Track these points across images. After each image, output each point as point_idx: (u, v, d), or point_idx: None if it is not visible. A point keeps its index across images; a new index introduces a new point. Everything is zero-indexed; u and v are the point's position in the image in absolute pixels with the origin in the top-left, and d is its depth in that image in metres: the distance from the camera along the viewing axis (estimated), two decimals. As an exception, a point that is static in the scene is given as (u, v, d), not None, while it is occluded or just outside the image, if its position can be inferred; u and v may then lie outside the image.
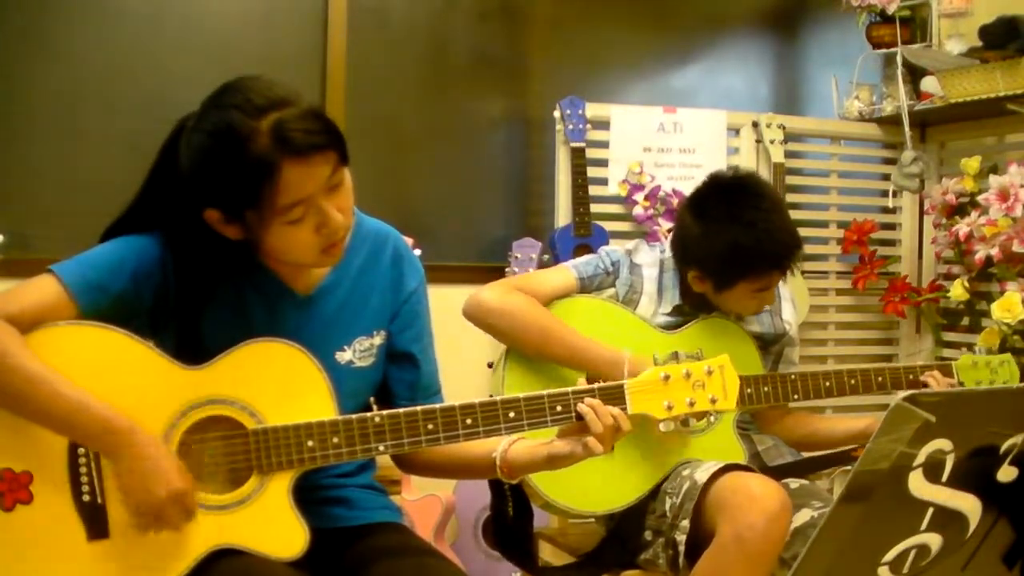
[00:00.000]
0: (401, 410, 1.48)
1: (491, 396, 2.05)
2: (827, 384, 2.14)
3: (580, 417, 1.52)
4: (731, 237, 2.03)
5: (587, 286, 2.12)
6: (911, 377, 2.19)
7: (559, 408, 1.52)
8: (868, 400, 2.26)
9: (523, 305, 2.02)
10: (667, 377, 1.55)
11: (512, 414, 1.50)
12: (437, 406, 1.49)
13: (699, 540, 1.89)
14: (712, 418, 2.07)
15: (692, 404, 1.55)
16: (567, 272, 2.12)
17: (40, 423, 1.39)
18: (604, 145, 3.17)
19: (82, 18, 2.97)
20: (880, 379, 2.18)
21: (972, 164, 2.98)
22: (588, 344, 2.01)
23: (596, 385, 1.54)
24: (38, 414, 1.39)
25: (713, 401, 1.56)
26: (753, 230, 2.03)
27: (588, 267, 2.13)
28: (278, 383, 1.47)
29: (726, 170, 2.21)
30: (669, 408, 1.54)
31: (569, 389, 1.53)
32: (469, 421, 1.49)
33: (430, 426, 1.48)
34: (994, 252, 2.81)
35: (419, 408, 1.48)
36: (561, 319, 2.05)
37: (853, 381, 2.16)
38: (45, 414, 1.38)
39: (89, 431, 1.39)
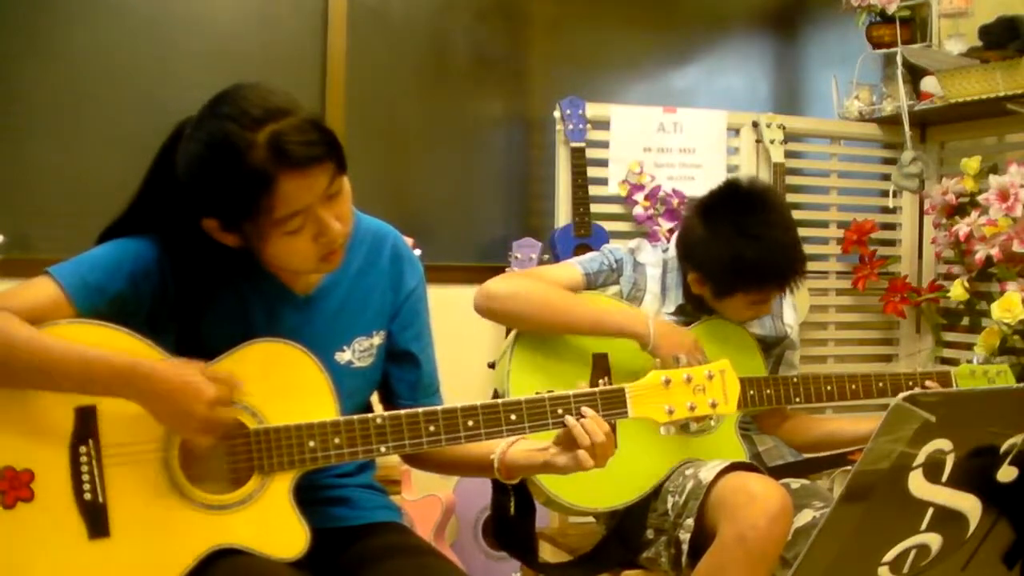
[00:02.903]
0: (403, 411, 1.48)
1: (495, 390, 2.07)
2: (828, 388, 2.15)
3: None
4: (735, 248, 2.03)
5: (593, 282, 2.13)
6: (911, 383, 2.19)
7: (560, 411, 1.52)
8: (869, 401, 2.26)
9: (533, 285, 2.04)
10: (668, 381, 1.55)
11: (514, 416, 1.50)
12: (439, 408, 1.49)
13: (700, 539, 1.89)
14: (713, 420, 2.08)
15: (693, 408, 1.55)
16: (573, 268, 2.13)
17: (54, 386, 1.39)
18: (604, 145, 3.18)
19: (82, 19, 2.97)
20: (881, 384, 2.19)
21: (972, 164, 2.98)
22: (609, 308, 2.02)
23: (598, 389, 1.54)
24: (52, 377, 1.39)
25: (713, 405, 1.56)
26: (757, 244, 2.03)
27: (593, 264, 2.14)
28: (280, 383, 1.47)
29: (743, 179, 2.20)
30: (670, 412, 1.55)
31: (571, 392, 1.53)
32: (471, 423, 1.49)
33: (431, 428, 1.48)
34: (994, 252, 2.81)
35: (420, 410, 1.48)
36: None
37: (854, 386, 2.17)
38: (60, 375, 1.38)
39: (109, 379, 1.38)
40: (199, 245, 1.47)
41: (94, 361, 1.38)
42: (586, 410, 1.52)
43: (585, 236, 3.07)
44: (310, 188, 1.39)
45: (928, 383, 2.19)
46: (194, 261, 1.50)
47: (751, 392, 2.09)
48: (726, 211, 2.10)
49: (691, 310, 2.16)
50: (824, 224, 3.45)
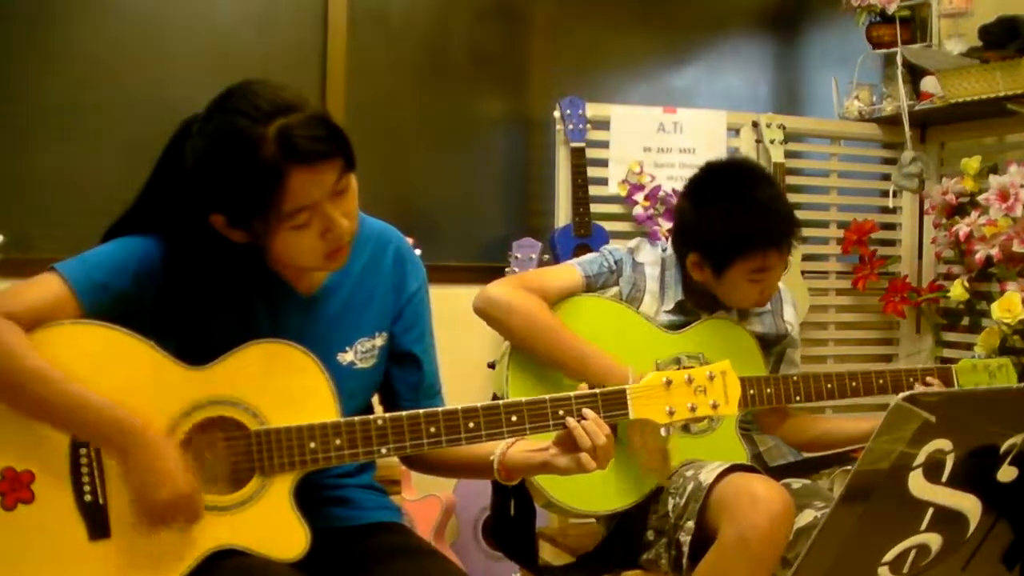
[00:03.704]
0: (403, 413, 1.48)
1: (494, 393, 2.06)
2: (828, 386, 2.15)
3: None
4: (727, 212, 2.05)
5: (592, 284, 2.12)
6: (911, 380, 2.19)
7: (561, 412, 1.52)
8: (869, 400, 2.26)
9: (535, 307, 2.03)
10: (669, 382, 1.55)
11: (514, 418, 1.50)
12: (439, 409, 1.49)
13: (701, 541, 1.89)
14: (714, 420, 2.08)
15: (694, 409, 1.55)
16: (573, 270, 2.12)
17: (45, 421, 1.40)
18: (604, 145, 3.18)
19: (82, 19, 2.98)
20: (881, 382, 2.19)
21: (972, 164, 2.98)
22: (595, 354, 2.01)
23: (599, 390, 1.54)
24: (44, 412, 1.39)
25: (715, 406, 1.56)
26: (748, 204, 2.05)
27: (593, 265, 2.13)
28: (281, 384, 1.47)
29: (721, 158, 2.23)
30: (671, 413, 1.55)
31: (572, 394, 1.53)
32: (471, 424, 1.49)
33: (432, 429, 1.48)
34: (994, 252, 2.81)
35: (421, 411, 1.48)
36: (568, 319, 2.05)
37: (854, 383, 2.17)
38: (50, 412, 1.39)
39: (96, 429, 1.39)
40: (204, 243, 1.48)
41: (90, 406, 1.38)
42: (587, 412, 1.51)
43: (585, 236, 3.07)
44: (318, 183, 1.39)
45: (929, 379, 2.19)
46: (199, 260, 1.50)
47: (751, 391, 2.09)
48: (712, 185, 2.13)
49: (690, 307, 2.16)
50: (824, 224, 3.45)
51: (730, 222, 2.04)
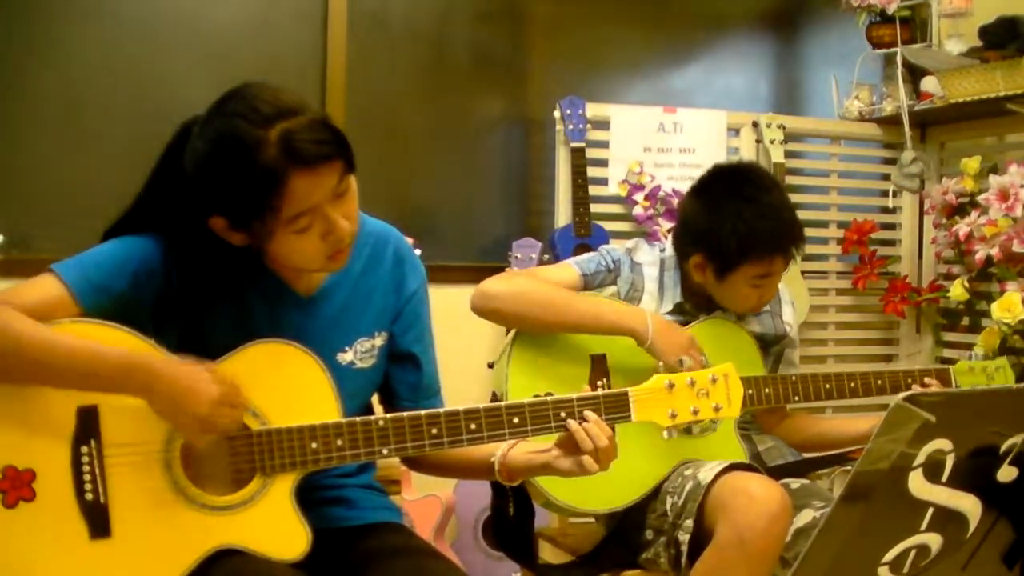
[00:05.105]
0: (405, 414, 1.48)
1: (493, 393, 2.07)
2: (827, 386, 2.15)
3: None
4: (736, 213, 2.05)
5: (590, 283, 2.13)
6: (910, 381, 2.19)
7: (563, 414, 1.52)
8: (869, 401, 2.26)
9: (530, 284, 2.04)
10: (671, 385, 1.55)
11: (516, 419, 1.50)
12: (441, 410, 1.49)
13: (700, 540, 1.89)
14: (715, 420, 2.08)
15: (696, 412, 1.55)
16: (570, 269, 2.13)
17: (62, 385, 1.39)
18: (604, 145, 3.18)
19: (83, 20, 2.98)
20: (880, 382, 2.19)
21: (972, 164, 2.98)
22: (607, 305, 2.02)
23: (601, 392, 1.54)
24: (58, 376, 1.39)
25: (717, 409, 1.56)
26: (760, 208, 2.05)
27: (591, 264, 2.14)
28: (282, 384, 1.47)
29: (728, 161, 2.23)
30: (673, 416, 1.55)
31: (574, 395, 1.53)
32: (473, 426, 1.49)
33: (434, 430, 1.48)
34: (994, 252, 2.81)
35: (423, 412, 1.48)
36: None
37: (853, 384, 2.17)
38: (65, 374, 1.38)
39: (113, 378, 1.38)
40: (204, 244, 1.48)
41: (99, 355, 1.38)
42: (589, 414, 1.51)
43: (585, 236, 3.07)
44: (319, 186, 1.39)
45: (927, 380, 2.20)
46: (199, 261, 1.50)
47: (750, 391, 2.09)
48: (721, 186, 2.13)
49: (689, 309, 2.16)
50: (824, 224, 3.45)
51: (740, 224, 2.04)
